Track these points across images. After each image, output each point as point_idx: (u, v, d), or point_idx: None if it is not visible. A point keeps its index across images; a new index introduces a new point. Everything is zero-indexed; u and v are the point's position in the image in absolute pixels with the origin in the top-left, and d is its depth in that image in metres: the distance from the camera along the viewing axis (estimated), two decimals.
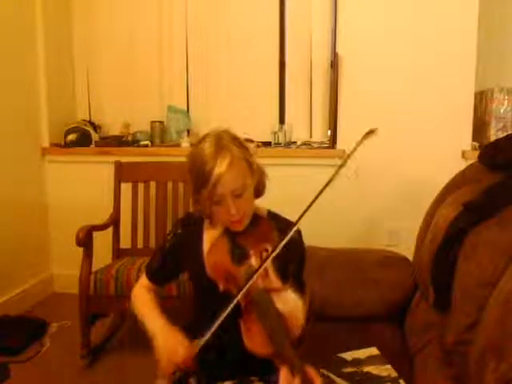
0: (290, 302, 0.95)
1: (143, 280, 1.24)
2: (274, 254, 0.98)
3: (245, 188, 1.04)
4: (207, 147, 1.02)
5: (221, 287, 1.03)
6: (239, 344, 1.07)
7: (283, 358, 0.87)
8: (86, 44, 2.94)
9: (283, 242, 0.98)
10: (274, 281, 1.00)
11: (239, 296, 0.96)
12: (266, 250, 1.03)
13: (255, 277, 0.97)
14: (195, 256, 1.14)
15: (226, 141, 1.03)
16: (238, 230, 1.08)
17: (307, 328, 0.92)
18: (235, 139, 1.06)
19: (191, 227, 1.18)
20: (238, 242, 1.07)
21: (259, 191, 1.13)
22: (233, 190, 1.01)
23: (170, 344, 1.03)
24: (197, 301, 1.24)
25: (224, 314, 0.96)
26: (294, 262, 1.10)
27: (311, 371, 0.87)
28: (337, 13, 2.53)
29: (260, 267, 0.98)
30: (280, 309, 0.93)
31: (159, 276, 1.23)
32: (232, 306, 0.96)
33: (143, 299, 1.19)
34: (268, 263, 0.99)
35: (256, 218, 1.11)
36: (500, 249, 1.13)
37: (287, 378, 0.85)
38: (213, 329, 0.97)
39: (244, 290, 0.96)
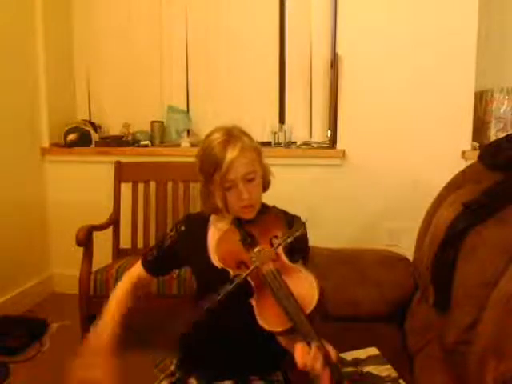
0: (302, 280, 0.97)
1: (137, 268, 1.27)
2: (287, 241, 1.03)
3: (255, 174, 1.09)
4: (218, 137, 1.07)
5: (232, 274, 1.04)
6: (241, 339, 1.10)
7: (300, 332, 0.88)
8: (86, 44, 2.94)
9: (297, 233, 1.03)
10: (286, 262, 1.03)
11: (245, 274, 0.98)
12: (276, 237, 1.06)
13: (265, 258, 1.00)
14: (199, 251, 1.16)
15: (236, 131, 1.10)
16: (248, 217, 1.11)
17: (323, 303, 0.93)
18: (244, 131, 1.13)
19: (195, 226, 1.22)
20: (247, 231, 1.10)
21: (264, 187, 1.17)
22: (244, 175, 1.06)
23: (88, 360, 1.04)
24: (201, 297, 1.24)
25: (228, 288, 0.96)
26: (300, 252, 1.12)
27: (327, 345, 0.89)
28: (337, 13, 2.53)
29: (272, 251, 1.02)
30: (293, 287, 0.95)
31: (154, 267, 1.26)
32: (236, 283, 0.97)
33: (118, 294, 1.21)
34: (279, 247, 1.03)
35: (264, 208, 1.16)
36: (500, 249, 1.13)
37: (304, 350, 0.86)
38: (219, 297, 0.97)
39: (252, 268, 0.99)
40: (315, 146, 2.65)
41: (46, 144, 2.80)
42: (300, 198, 2.35)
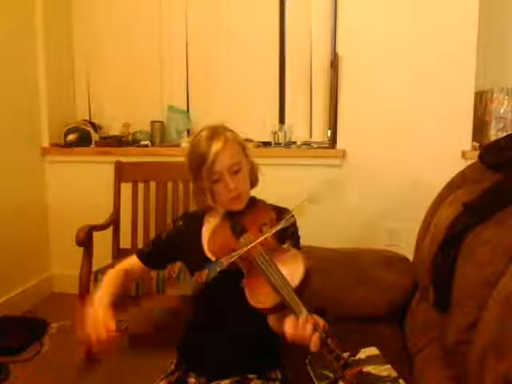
0: (289, 258, 1.01)
1: (129, 260, 1.30)
2: (277, 227, 1.07)
3: (240, 166, 1.14)
4: (203, 134, 1.15)
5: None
6: (237, 333, 1.12)
7: (288, 305, 0.92)
8: (86, 44, 2.94)
9: (287, 218, 1.07)
10: (274, 245, 1.07)
11: (234, 257, 1.02)
12: (265, 224, 1.10)
13: (254, 243, 1.03)
14: (195, 248, 1.19)
15: (220, 128, 1.17)
16: (238, 208, 1.15)
17: (309, 279, 0.97)
18: (229, 128, 1.19)
19: (191, 223, 1.26)
20: (237, 221, 1.14)
21: (252, 183, 1.21)
22: (229, 166, 1.11)
23: (95, 318, 1.07)
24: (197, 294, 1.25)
25: (217, 266, 1.02)
26: (290, 239, 1.15)
27: (315, 315, 0.92)
28: (337, 13, 2.53)
29: (261, 236, 1.05)
30: (280, 265, 0.99)
31: (149, 258, 1.29)
32: (225, 263, 1.01)
33: (109, 276, 1.24)
34: (268, 233, 1.06)
35: (253, 200, 1.21)
36: (500, 249, 1.13)
37: (294, 321, 0.90)
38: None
39: (240, 251, 1.03)
40: (315, 146, 2.65)
41: (45, 144, 2.80)
42: (300, 198, 2.34)
